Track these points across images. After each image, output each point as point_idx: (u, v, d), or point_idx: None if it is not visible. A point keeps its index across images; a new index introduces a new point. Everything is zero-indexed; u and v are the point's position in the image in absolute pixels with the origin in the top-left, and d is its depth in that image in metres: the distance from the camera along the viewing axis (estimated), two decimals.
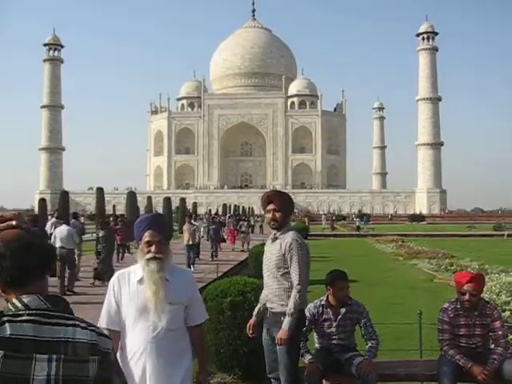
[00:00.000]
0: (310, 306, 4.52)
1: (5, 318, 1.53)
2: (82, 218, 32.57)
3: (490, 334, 4.44)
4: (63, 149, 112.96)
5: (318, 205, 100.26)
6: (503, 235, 36.94)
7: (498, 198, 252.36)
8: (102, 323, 2.87)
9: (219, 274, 13.13)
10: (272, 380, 4.26)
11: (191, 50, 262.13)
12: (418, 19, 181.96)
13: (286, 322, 3.94)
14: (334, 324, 4.59)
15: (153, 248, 2.87)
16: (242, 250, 23.30)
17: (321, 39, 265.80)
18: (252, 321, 4.31)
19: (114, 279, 2.94)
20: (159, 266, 2.83)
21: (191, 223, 18.43)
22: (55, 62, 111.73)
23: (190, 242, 17.13)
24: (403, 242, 27.99)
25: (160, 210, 47.98)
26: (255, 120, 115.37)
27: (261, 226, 42.82)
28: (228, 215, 46.87)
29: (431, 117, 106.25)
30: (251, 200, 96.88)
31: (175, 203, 55.30)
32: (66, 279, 12.08)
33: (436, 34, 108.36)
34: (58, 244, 12.17)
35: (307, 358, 4.44)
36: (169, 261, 2.92)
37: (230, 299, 5.56)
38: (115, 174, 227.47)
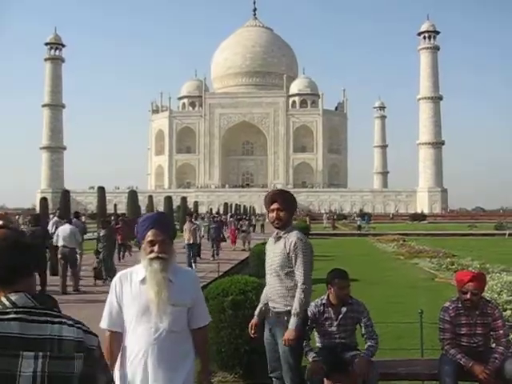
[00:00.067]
0: (311, 305, 4.52)
1: None
2: (84, 217, 32.59)
3: (491, 333, 4.44)
4: (64, 148, 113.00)
5: (319, 204, 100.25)
6: (504, 234, 36.91)
7: (498, 198, 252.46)
8: (104, 324, 2.83)
9: (220, 273, 13.13)
10: (274, 379, 4.25)
11: (192, 49, 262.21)
12: (418, 19, 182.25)
13: (293, 322, 3.92)
14: (335, 323, 4.59)
15: (156, 247, 2.80)
16: (243, 249, 23.28)
17: (322, 38, 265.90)
18: (254, 321, 4.30)
19: (115, 279, 2.88)
20: (162, 265, 2.76)
21: (192, 222, 18.42)
22: (56, 61, 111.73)
23: (191, 241, 17.13)
24: (404, 241, 27.97)
25: (161, 209, 48.06)
26: (256, 119, 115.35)
27: (262, 225, 42.83)
28: (229, 214, 46.84)
29: (432, 116, 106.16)
30: (252, 199, 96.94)
31: (176, 202, 55.33)
32: (67, 278, 12.09)
33: (437, 33, 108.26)
34: (60, 243, 12.19)
35: (311, 356, 4.44)
36: (172, 261, 2.85)
37: (231, 298, 5.56)
38: (116, 173, 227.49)
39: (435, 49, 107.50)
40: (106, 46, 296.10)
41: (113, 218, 23.58)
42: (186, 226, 17.67)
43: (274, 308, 4.10)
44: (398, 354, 5.65)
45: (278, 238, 4.14)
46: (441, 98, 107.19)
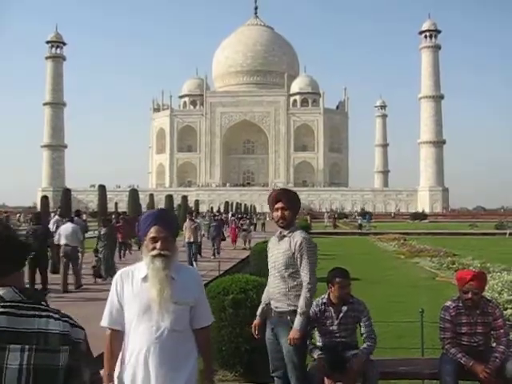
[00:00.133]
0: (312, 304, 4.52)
1: None
2: (84, 216, 32.62)
3: (492, 332, 4.44)
4: (65, 146, 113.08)
5: (320, 203, 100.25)
6: (505, 234, 36.94)
7: (499, 197, 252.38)
8: (104, 322, 2.79)
9: (221, 272, 13.13)
10: (275, 378, 4.25)
11: (193, 47, 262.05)
12: (419, 18, 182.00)
13: (298, 321, 3.91)
14: (336, 322, 4.59)
15: (158, 244, 2.74)
16: (244, 248, 23.31)
17: (323, 37, 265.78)
18: (257, 321, 4.28)
19: (117, 277, 2.83)
20: (165, 263, 2.71)
21: (192, 220, 18.39)
22: (58, 60, 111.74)
23: (191, 240, 17.12)
24: (405, 240, 27.97)
25: (162, 207, 47.98)
26: (257, 118, 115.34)
27: (263, 224, 42.85)
28: (230, 213, 46.86)
29: (433, 115, 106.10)
30: (253, 198, 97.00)
31: (177, 201, 55.33)
32: (68, 276, 12.10)
33: (439, 32, 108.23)
34: (62, 241, 12.20)
35: (316, 353, 4.44)
36: (175, 258, 2.80)
37: (231, 297, 5.57)
38: (117, 171, 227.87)
39: (436, 48, 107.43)
40: (106, 45, 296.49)
41: (113, 216, 23.58)
42: (187, 225, 17.64)
43: (277, 308, 4.08)
44: (399, 353, 5.65)
45: (282, 238, 4.12)
46: (442, 97, 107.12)
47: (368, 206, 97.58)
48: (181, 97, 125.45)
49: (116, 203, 65.03)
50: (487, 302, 4.48)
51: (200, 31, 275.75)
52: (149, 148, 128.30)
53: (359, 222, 47.35)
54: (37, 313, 1.63)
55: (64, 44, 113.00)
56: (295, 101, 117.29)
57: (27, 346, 1.57)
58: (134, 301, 2.73)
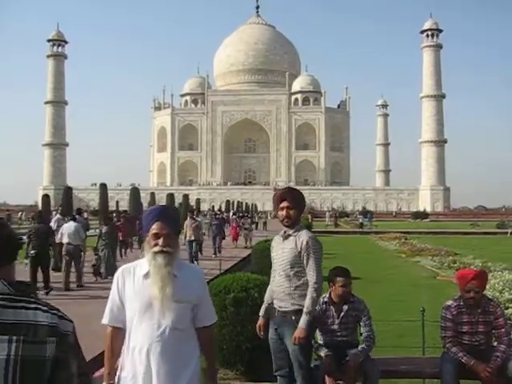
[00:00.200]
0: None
1: None
2: (86, 214, 32.63)
3: (493, 331, 4.44)
4: (67, 144, 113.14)
5: (322, 202, 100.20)
6: (506, 233, 36.91)
7: (500, 197, 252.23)
8: (105, 320, 2.75)
9: (222, 271, 13.14)
10: (279, 377, 4.24)
11: (195, 46, 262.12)
12: (420, 18, 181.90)
13: (304, 320, 3.89)
14: (337, 321, 4.59)
15: (160, 241, 2.70)
16: (245, 247, 23.34)
17: (325, 36, 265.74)
18: (261, 321, 4.26)
19: (118, 274, 2.79)
20: (167, 260, 2.67)
21: (193, 219, 18.38)
22: (59, 58, 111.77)
23: (192, 238, 17.12)
24: (406, 239, 27.96)
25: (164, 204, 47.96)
26: (259, 116, 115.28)
27: (264, 223, 42.83)
28: (232, 212, 46.85)
29: (435, 114, 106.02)
30: (254, 196, 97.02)
31: (178, 199, 55.38)
32: (70, 274, 12.12)
33: (440, 31, 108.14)
34: (65, 240, 12.24)
35: (323, 351, 4.45)
36: (177, 255, 2.76)
37: (233, 295, 5.57)
38: (118, 170, 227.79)
39: (438, 47, 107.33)
40: (108, 43, 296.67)
41: (114, 214, 23.60)
42: (188, 223, 17.63)
43: (281, 307, 4.06)
44: (400, 352, 5.65)
45: (287, 237, 4.09)
46: (443, 96, 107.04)
47: (369, 205, 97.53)
48: (182, 95, 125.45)
49: (117, 202, 65.12)
50: (488, 301, 4.48)
51: (201, 30, 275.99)
52: (150, 146, 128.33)
53: (360, 220, 47.34)
54: (25, 305, 1.66)
55: (65, 42, 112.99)
56: (297, 99, 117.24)
57: (15, 337, 1.60)
58: (136, 298, 2.69)
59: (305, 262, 3.98)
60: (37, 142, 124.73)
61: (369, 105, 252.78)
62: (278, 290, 4.08)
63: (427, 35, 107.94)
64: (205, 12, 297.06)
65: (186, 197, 50.65)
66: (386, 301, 10.33)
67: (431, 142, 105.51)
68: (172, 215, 2.86)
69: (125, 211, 31.06)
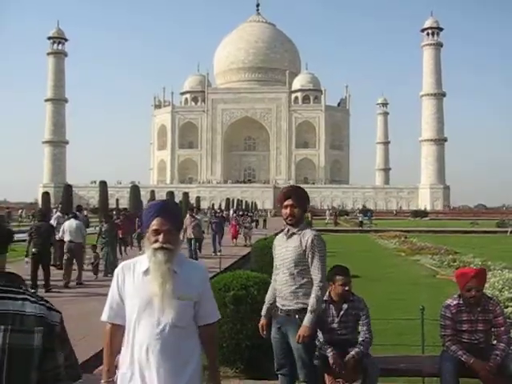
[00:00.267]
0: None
1: None
2: (85, 212, 32.63)
3: (493, 329, 4.44)
4: (67, 142, 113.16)
5: (321, 200, 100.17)
6: (506, 232, 36.92)
7: (500, 196, 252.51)
8: (104, 317, 2.71)
9: (222, 269, 13.14)
10: (280, 376, 4.23)
11: (195, 44, 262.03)
12: (420, 16, 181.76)
13: (308, 319, 3.87)
14: (337, 320, 4.59)
15: (160, 237, 2.64)
16: (245, 245, 23.36)
17: (325, 34, 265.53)
18: (263, 321, 4.23)
19: (118, 270, 2.75)
20: (167, 256, 2.61)
21: (193, 216, 18.36)
22: (59, 56, 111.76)
23: (192, 236, 17.10)
24: (406, 237, 27.97)
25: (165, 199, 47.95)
26: (259, 114, 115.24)
27: (264, 221, 42.85)
28: (232, 210, 46.85)
29: (435, 112, 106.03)
30: (254, 195, 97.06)
31: (178, 197, 55.37)
32: (71, 272, 12.13)
33: (441, 29, 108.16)
34: (67, 238, 12.26)
35: (329, 351, 4.45)
36: (178, 252, 2.71)
37: (232, 293, 5.57)
38: (118, 167, 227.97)
39: (438, 45, 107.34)
40: (108, 41, 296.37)
41: (114, 212, 23.58)
42: (187, 221, 17.58)
43: (284, 306, 4.04)
44: (399, 351, 5.66)
45: (291, 235, 4.07)
46: (444, 95, 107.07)
47: (369, 204, 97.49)
48: (182, 93, 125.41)
49: (117, 199, 65.16)
50: (488, 300, 4.48)
51: (202, 28, 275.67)
52: (150, 144, 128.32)
53: (360, 219, 47.32)
54: (14, 295, 1.71)
55: (66, 40, 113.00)
56: (297, 98, 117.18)
57: (2, 327, 1.65)
58: (136, 295, 2.65)
59: (309, 260, 3.96)
60: (37, 139, 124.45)
61: (369, 103, 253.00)
62: (282, 289, 4.05)
63: (428, 33, 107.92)
64: (205, 10, 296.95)
65: (186, 195, 50.70)
66: (386, 299, 10.34)
67: (431, 140, 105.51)
68: (173, 210, 2.80)
69: (125, 209, 31.05)
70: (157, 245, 2.65)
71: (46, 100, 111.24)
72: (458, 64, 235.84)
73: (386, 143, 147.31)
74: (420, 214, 75.44)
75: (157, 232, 2.67)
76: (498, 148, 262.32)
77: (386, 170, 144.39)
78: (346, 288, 4.58)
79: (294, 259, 3.98)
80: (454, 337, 4.40)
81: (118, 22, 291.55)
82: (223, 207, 63.02)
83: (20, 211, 54.77)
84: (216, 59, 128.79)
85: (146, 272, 2.66)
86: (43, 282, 10.87)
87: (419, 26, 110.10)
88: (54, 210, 25.36)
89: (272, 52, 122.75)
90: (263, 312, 4.28)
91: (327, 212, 60.36)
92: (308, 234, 4.00)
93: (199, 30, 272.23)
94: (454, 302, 4.44)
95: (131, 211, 30.39)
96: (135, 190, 45.52)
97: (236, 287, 5.64)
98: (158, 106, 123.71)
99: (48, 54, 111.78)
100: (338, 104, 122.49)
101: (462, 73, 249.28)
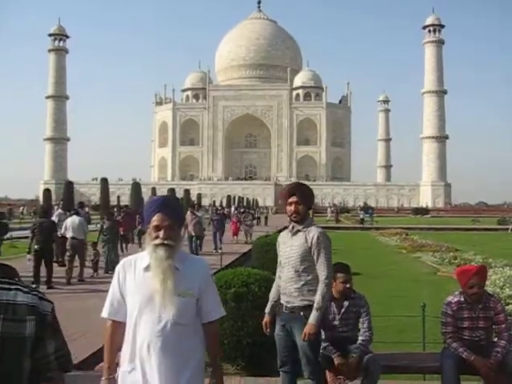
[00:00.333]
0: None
1: None
2: (87, 208, 32.64)
3: (494, 327, 4.45)
4: (68, 139, 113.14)
5: (323, 197, 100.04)
6: (507, 229, 36.91)
7: (501, 193, 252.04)
8: (105, 313, 2.69)
9: (223, 266, 13.15)
10: (282, 373, 4.22)
11: (196, 41, 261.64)
12: (421, 13, 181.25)
13: (314, 316, 3.86)
14: (338, 317, 4.59)
15: (161, 233, 2.61)
16: (246, 242, 23.37)
17: (326, 31, 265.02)
18: (267, 318, 4.22)
19: (119, 266, 2.72)
20: (168, 253, 2.58)
21: (194, 214, 18.36)
22: (60, 52, 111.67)
23: (193, 233, 17.10)
24: (407, 235, 28.00)
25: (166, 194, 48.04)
26: (260, 112, 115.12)
27: (266, 218, 42.86)
28: (233, 207, 46.84)
29: (436, 110, 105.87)
30: (255, 192, 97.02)
31: (179, 194, 55.36)
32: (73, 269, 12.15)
33: (442, 26, 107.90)
34: (69, 234, 12.28)
35: (333, 352, 4.45)
36: (179, 248, 2.67)
37: (233, 290, 5.58)
38: (119, 164, 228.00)
39: (440, 42, 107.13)
40: (109, 38, 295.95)
41: (116, 209, 23.59)
42: (188, 218, 17.59)
43: (288, 303, 4.02)
44: (401, 348, 5.67)
45: (296, 232, 4.05)
46: (445, 92, 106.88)
47: (370, 201, 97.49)
48: (183, 90, 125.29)
49: (118, 196, 65.16)
50: (489, 297, 4.48)
51: (203, 25, 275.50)
52: (151, 141, 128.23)
53: (361, 216, 47.30)
54: (6, 286, 1.76)
55: (67, 37, 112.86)
56: (298, 95, 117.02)
57: None
58: (137, 291, 2.62)
59: (315, 257, 3.94)
60: (38, 136, 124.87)
61: (370, 100, 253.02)
62: (287, 286, 4.03)
63: (429, 31, 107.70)
64: (206, 7, 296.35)
65: (187, 192, 50.73)
66: (387, 296, 10.35)
67: (432, 137, 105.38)
68: (174, 206, 2.76)
69: (126, 206, 31.07)
70: (158, 241, 2.62)
71: (47, 97, 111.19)
72: (459, 62, 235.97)
73: (388, 140, 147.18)
74: (421, 211, 75.40)
75: (158, 228, 2.64)
76: (499, 146, 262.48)
77: (388, 168, 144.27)
78: (347, 285, 4.58)
79: (300, 256, 3.95)
80: (455, 334, 4.40)
81: (119, 19, 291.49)
82: (224, 204, 62.98)
83: (21, 208, 54.80)
84: (217, 56, 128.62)
85: (147, 268, 2.63)
86: (45, 279, 10.89)
87: (420, 23, 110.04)
88: (56, 207, 25.38)
89: (273, 49, 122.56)
90: (267, 309, 4.26)
91: (328, 209, 60.39)
92: (313, 231, 3.98)
93: (200, 27, 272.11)
94: (455, 300, 4.44)
95: (132, 208, 30.45)
96: (136, 187, 45.56)
97: (237, 284, 5.65)
98: (159, 103, 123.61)
99: (49, 50, 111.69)
100: (340, 101, 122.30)
101: (463, 70, 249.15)
